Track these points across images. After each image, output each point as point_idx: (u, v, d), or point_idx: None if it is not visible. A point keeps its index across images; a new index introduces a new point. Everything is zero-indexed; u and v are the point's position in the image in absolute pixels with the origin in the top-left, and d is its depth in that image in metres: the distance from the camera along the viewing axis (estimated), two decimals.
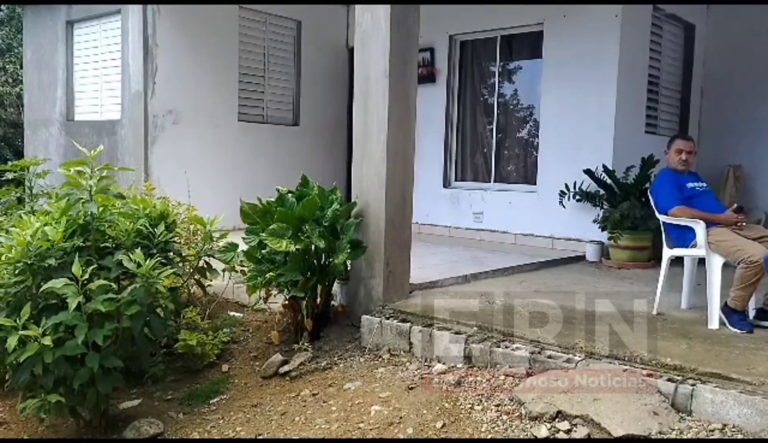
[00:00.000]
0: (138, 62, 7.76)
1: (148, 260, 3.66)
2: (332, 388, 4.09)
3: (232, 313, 5.45)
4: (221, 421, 4.00)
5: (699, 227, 4.38)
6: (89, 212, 3.76)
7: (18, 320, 3.45)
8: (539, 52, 7.65)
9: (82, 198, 3.83)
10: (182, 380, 4.62)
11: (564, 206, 7.19)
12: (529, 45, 7.87)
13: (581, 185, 7.08)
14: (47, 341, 3.44)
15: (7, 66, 12.35)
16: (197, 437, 3.85)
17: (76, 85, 9.77)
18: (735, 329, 4.15)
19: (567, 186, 7.14)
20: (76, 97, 9.78)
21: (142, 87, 7.71)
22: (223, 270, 5.08)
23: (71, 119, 9.76)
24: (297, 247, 4.37)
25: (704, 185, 4.78)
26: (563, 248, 7.30)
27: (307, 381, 4.27)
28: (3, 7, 12.66)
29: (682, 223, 4.49)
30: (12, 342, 3.39)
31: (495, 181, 8.18)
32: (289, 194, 4.72)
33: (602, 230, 6.79)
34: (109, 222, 3.92)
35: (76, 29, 9.73)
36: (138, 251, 3.69)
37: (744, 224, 4.45)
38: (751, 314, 4.34)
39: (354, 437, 3.39)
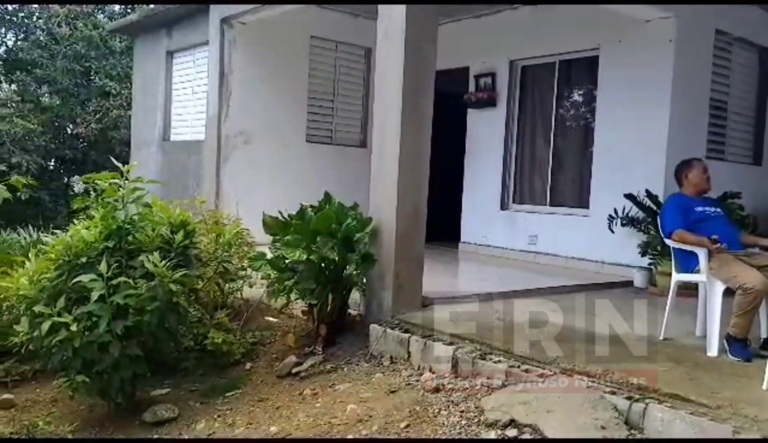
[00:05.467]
0: (214, 87, 8.50)
1: (163, 262, 4.16)
2: (330, 389, 4.42)
3: (268, 317, 5.90)
4: (228, 412, 4.43)
5: (701, 252, 4.35)
6: (120, 218, 4.32)
7: (53, 309, 4.06)
8: (595, 76, 7.66)
9: (116, 206, 4.40)
10: (209, 374, 5.10)
11: (612, 231, 7.13)
12: (585, 70, 7.89)
13: (629, 210, 7.00)
14: (74, 327, 4.02)
15: (123, 91, 13.72)
16: (203, 422, 4.30)
17: (173, 108, 10.77)
18: (733, 358, 4.09)
19: (615, 211, 7.09)
20: (172, 119, 10.78)
21: (217, 110, 8.42)
22: (261, 277, 5.55)
23: (167, 139, 10.76)
24: (309, 257, 4.74)
25: (717, 210, 4.70)
26: (612, 273, 7.22)
27: (312, 382, 4.62)
28: (118, 37, 14.05)
29: (687, 248, 4.47)
30: (44, 326, 3.99)
31: (550, 204, 8.20)
32: (310, 209, 5.11)
33: (642, 255, 6.69)
34: (140, 228, 4.46)
35: (175, 58, 10.76)
36: (156, 254, 4.20)
37: (721, 248, 4.33)
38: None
39: (322, 429, 3.70)
